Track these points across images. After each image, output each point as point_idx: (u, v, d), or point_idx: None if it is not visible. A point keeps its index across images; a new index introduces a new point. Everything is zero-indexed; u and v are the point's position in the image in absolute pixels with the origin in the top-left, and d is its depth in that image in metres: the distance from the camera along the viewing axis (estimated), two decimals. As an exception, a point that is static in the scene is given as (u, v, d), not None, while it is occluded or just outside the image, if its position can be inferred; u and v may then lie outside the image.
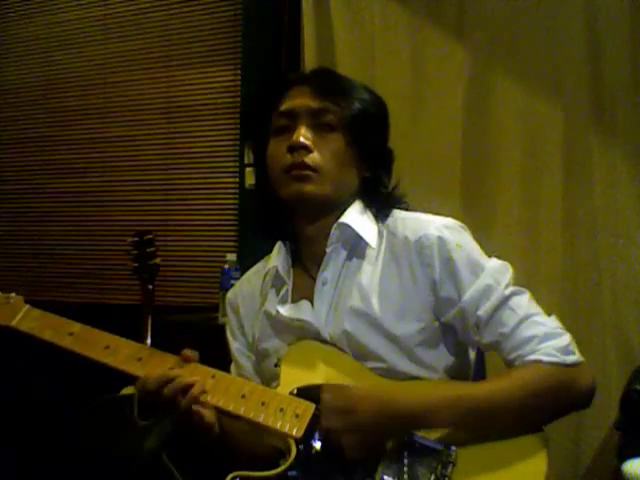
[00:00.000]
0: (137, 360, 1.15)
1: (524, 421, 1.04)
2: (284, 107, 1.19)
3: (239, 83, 2.86)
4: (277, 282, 1.24)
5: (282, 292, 1.22)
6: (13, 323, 1.23)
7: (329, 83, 1.21)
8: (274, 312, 1.21)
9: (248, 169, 2.73)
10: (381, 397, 1.05)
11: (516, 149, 2.21)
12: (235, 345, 1.30)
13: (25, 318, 1.23)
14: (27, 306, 1.25)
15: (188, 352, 1.14)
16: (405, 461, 1.01)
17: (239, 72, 2.86)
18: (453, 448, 1.01)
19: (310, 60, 2.50)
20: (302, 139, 1.14)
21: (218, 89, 2.93)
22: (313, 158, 1.14)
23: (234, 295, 1.34)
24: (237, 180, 2.83)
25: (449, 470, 1.00)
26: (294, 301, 1.21)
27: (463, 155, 2.27)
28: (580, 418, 2.00)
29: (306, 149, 1.14)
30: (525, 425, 1.04)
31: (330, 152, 1.16)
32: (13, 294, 1.28)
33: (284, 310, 1.19)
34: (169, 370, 1.11)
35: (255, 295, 1.29)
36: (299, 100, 1.18)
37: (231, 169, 2.88)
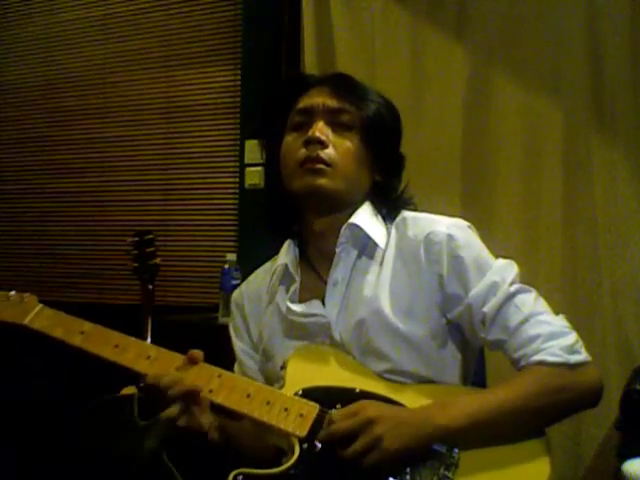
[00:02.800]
0: (146, 359, 1.16)
1: (529, 425, 1.04)
2: (302, 105, 1.21)
3: (239, 83, 2.86)
4: (286, 280, 1.24)
5: (291, 289, 1.22)
6: (26, 321, 1.24)
7: (347, 85, 1.24)
8: (284, 309, 1.21)
9: (248, 169, 2.74)
10: (404, 417, 1.03)
11: (516, 149, 2.21)
12: (240, 345, 1.31)
13: (37, 317, 1.25)
14: (40, 305, 1.27)
15: (195, 352, 1.14)
16: (408, 460, 1.01)
17: (239, 72, 2.86)
18: (456, 450, 1.01)
19: (310, 60, 2.50)
20: (318, 134, 1.16)
21: (218, 89, 2.93)
22: (328, 153, 1.16)
23: (240, 294, 1.34)
24: (237, 180, 2.83)
25: (452, 472, 1.00)
26: (303, 300, 1.21)
27: (463, 155, 2.28)
28: (580, 418, 2.00)
29: (322, 144, 1.16)
30: (530, 427, 1.04)
31: (345, 150, 1.18)
32: (27, 294, 1.30)
33: (295, 306, 1.20)
34: (180, 371, 1.12)
35: (261, 294, 1.30)
36: (318, 98, 1.20)
37: (231, 169, 2.88)
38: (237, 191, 2.84)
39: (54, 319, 1.24)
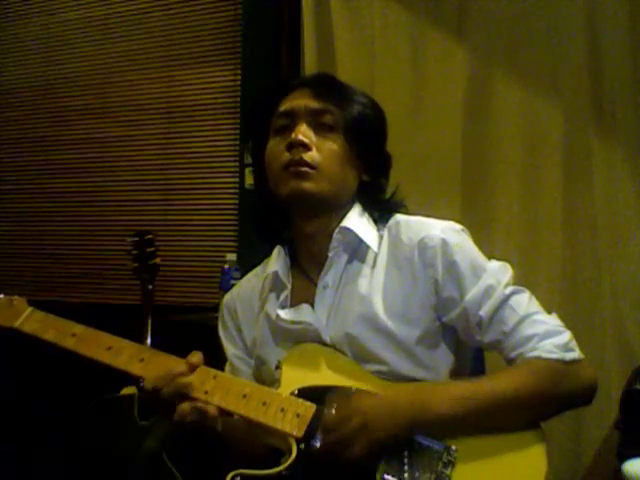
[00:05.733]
0: (139, 361, 1.15)
1: (522, 416, 1.04)
2: (284, 107, 1.20)
3: (239, 83, 2.86)
4: (277, 286, 1.24)
5: (282, 296, 1.22)
6: (16, 324, 1.24)
7: (329, 86, 1.23)
8: (274, 316, 1.21)
9: (248, 169, 2.74)
10: (391, 401, 1.04)
11: (516, 149, 2.21)
12: (232, 350, 1.30)
13: (28, 320, 1.25)
14: (30, 308, 1.27)
15: (194, 358, 1.13)
16: (405, 460, 1.01)
17: (239, 72, 2.86)
18: (454, 448, 1.02)
19: (310, 60, 2.50)
20: (301, 136, 1.15)
21: (218, 89, 2.93)
22: (312, 156, 1.15)
23: (232, 299, 1.33)
24: (237, 180, 2.83)
25: (449, 470, 1.00)
26: (294, 305, 1.21)
27: (463, 155, 2.27)
28: (580, 418, 2.00)
29: (305, 147, 1.15)
30: (525, 419, 1.04)
31: (329, 151, 1.17)
32: (16, 296, 1.29)
33: (284, 313, 1.19)
34: (175, 368, 1.11)
35: (254, 299, 1.29)
36: (299, 101, 1.19)
37: (231, 169, 2.88)
38: (237, 191, 2.84)
39: (45, 322, 1.24)
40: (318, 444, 1.03)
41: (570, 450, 2.03)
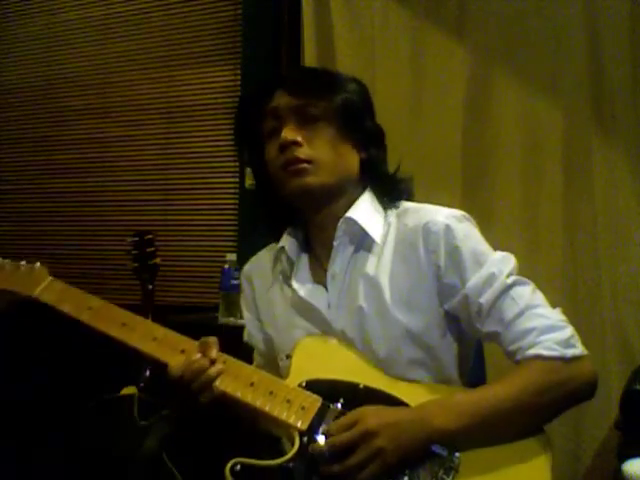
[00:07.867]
0: (152, 340, 1.16)
1: (527, 422, 1.04)
2: (268, 109, 1.22)
3: (239, 83, 2.86)
4: (288, 263, 1.27)
5: (294, 272, 1.25)
6: (35, 293, 1.23)
7: (307, 77, 1.27)
8: (288, 289, 1.24)
9: (248, 169, 2.73)
10: (402, 421, 1.03)
11: (516, 149, 2.21)
12: (247, 315, 1.36)
13: (47, 289, 1.24)
14: (50, 277, 1.26)
15: (211, 345, 1.15)
16: (406, 464, 1.01)
17: (239, 72, 2.86)
18: (457, 454, 1.01)
19: (310, 60, 2.50)
20: (289, 136, 1.17)
21: (218, 89, 2.93)
22: (304, 151, 1.17)
23: (250, 268, 1.39)
24: (237, 180, 2.83)
25: (451, 476, 0.99)
26: (307, 282, 1.24)
27: (463, 155, 2.27)
28: (580, 418, 2.00)
29: (296, 144, 1.17)
30: (529, 424, 1.04)
31: (320, 141, 1.19)
32: (38, 264, 1.27)
33: (299, 287, 1.22)
34: (200, 358, 1.12)
35: (267, 272, 1.32)
36: (280, 100, 1.21)
37: (231, 169, 2.87)
38: (237, 191, 2.84)
39: (64, 293, 1.24)
40: (321, 439, 1.03)
41: (570, 451, 2.03)
